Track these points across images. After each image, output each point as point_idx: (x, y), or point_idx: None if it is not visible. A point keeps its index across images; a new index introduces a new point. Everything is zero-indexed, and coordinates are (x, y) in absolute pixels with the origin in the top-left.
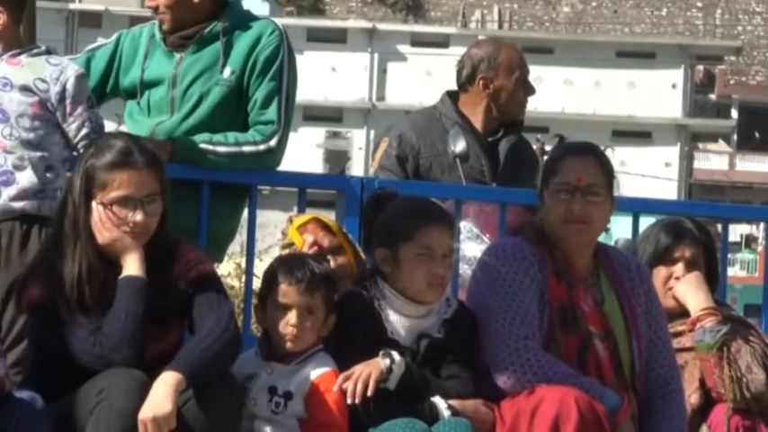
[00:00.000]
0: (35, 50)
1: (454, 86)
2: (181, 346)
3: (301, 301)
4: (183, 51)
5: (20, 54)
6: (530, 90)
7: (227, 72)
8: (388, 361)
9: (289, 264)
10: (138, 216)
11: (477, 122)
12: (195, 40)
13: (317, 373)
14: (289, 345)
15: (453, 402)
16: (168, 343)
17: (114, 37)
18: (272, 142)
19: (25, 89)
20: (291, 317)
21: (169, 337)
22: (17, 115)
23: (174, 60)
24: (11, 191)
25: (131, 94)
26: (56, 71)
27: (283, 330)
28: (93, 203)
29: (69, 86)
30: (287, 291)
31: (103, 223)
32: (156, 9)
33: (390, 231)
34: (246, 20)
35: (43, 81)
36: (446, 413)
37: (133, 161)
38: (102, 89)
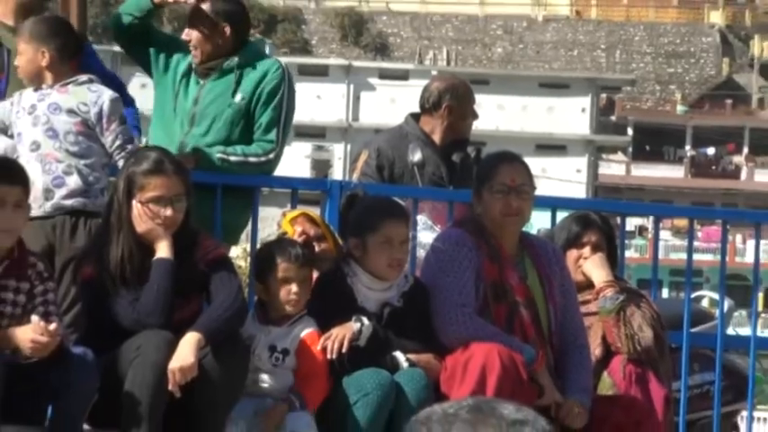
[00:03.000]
0: (80, 80)
1: (414, 110)
2: (199, 314)
3: (299, 273)
4: (206, 79)
5: (68, 84)
6: (476, 115)
7: (238, 97)
8: (358, 324)
9: (283, 247)
10: (168, 211)
11: (438, 138)
12: (216, 71)
13: (304, 332)
14: (291, 309)
15: (410, 356)
16: (190, 311)
17: (178, 38)
18: (271, 156)
19: (71, 112)
20: (293, 287)
21: (190, 307)
22: (64, 132)
23: (199, 85)
24: (62, 191)
25: (164, 86)
26: (94, 96)
27: (287, 298)
28: (134, 201)
29: (105, 108)
30: (288, 267)
31: (141, 217)
32: (189, 42)
33: (360, 224)
34: (258, 58)
35: (85, 104)
36: (405, 365)
37: (165, 168)
38: (149, 43)
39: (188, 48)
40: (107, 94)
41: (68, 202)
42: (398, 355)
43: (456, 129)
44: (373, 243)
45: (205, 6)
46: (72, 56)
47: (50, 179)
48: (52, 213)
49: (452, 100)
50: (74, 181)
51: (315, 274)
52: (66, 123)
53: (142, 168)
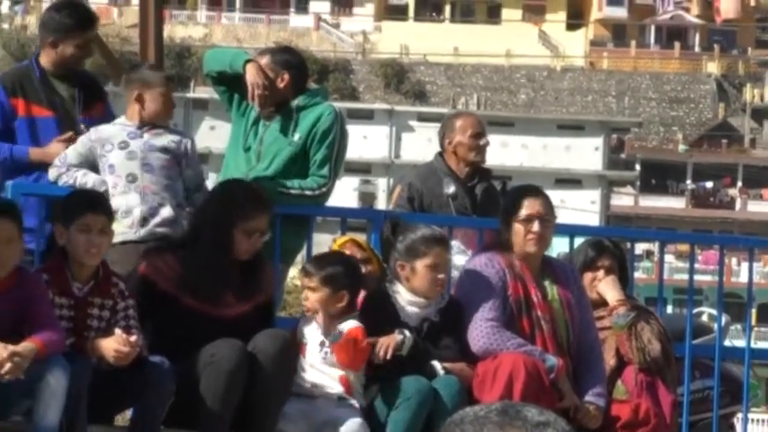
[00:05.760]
0: (166, 126)
1: None
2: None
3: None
4: (269, 120)
5: (156, 127)
6: (485, 141)
7: (296, 137)
8: (401, 336)
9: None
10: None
11: (459, 172)
12: (278, 114)
13: (349, 327)
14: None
15: (446, 364)
16: (246, 309)
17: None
18: (324, 189)
19: (164, 149)
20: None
21: (247, 306)
22: (159, 167)
23: (265, 126)
24: (156, 220)
25: (239, 126)
26: (179, 137)
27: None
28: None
29: (189, 149)
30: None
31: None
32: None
33: (410, 251)
34: (314, 102)
35: (174, 143)
36: (441, 372)
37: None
38: (234, 88)
39: None
40: (187, 138)
41: (160, 230)
42: (436, 363)
43: (464, 157)
44: (422, 267)
45: (266, 59)
46: None
47: (147, 209)
48: (146, 239)
49: (450, 133)
50: (167, 211)
51: (362, 293)
52: (160, 159)
53: (247, 201)
